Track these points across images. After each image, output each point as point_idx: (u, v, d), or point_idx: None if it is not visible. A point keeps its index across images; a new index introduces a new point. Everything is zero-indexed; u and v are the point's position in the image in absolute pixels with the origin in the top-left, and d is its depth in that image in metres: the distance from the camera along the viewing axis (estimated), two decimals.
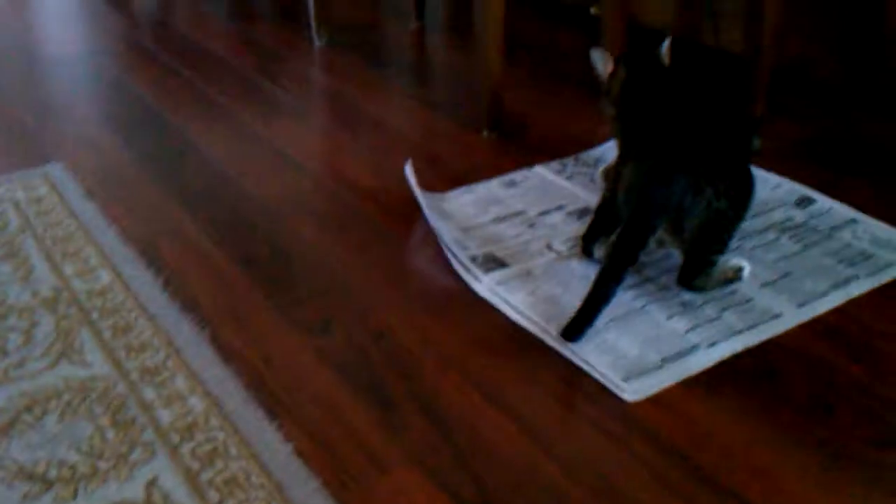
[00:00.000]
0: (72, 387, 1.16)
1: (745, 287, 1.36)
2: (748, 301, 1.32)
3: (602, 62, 1.48)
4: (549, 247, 1.47)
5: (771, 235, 1.49)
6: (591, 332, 1.25)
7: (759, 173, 1.60)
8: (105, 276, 1.40)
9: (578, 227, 1.52)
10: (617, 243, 1.29)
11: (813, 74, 2.04)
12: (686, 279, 1.35)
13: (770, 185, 1.64)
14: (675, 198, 1.28)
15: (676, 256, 1.40)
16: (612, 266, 1.27)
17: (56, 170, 1.75)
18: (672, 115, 1.37)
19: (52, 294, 1.36)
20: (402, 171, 1.66)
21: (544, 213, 1.58)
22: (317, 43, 2.47)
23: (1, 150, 1.85)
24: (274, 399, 1.15)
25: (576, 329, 1.24)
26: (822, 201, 1.59)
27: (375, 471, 1.04)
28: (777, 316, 1.29)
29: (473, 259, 1.43)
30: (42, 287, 1.38)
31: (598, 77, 1.49)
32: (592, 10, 2.33)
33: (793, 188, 1.63)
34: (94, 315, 1.31)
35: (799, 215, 1.55)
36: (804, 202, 1.58)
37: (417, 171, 1.70)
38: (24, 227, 1.54)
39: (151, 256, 1.47)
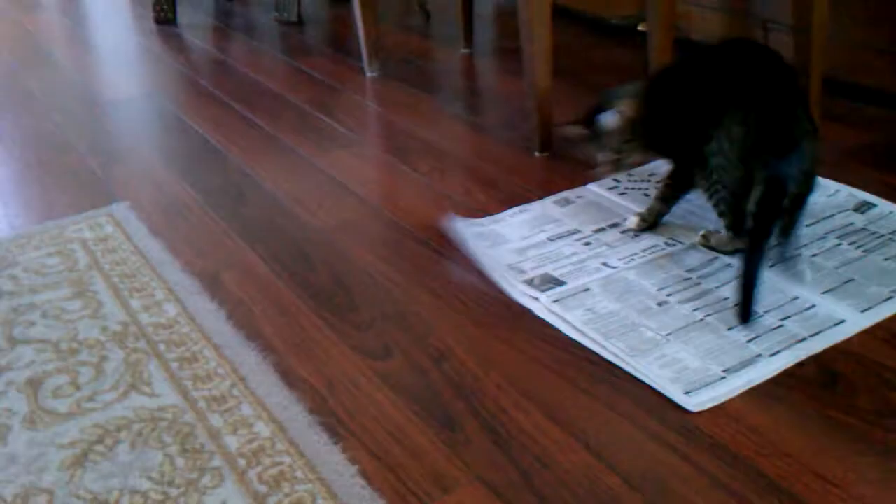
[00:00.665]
0: (141, 417, 1.19)
1: (806, 294, 1.34)
2: (810, 308, 1.31)
3: (617, 114, 1.51)
4: (606, 264, 1.48)
5: (831, 241, 1.48)
6: (650, 345, 1.25)
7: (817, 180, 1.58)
8: (171, 310, 1.44)
9: (634, 245, 1.52)
10: (756, 220, 1.31)
11: (866, 79, 2.02)
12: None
13: (828, 192, 1.62)
14: (805, 164, 1.33)
15: (736, 268, 1.39)
16: (754, 245, 1.30)
17: (121, 209, 1.80)
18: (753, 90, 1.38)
19: (120, 328, 1.40)
20: (457, 194, 1.67)
21: (599, 230, 1.58)
22: (369, 74, 2.52)
23: (67, 192, 1.92)
24: (337, 422, 1.17)
25: (745, 314, 1.28)
26: (882, 205, 1.56)
27: (439, 490, 1.05)
28: (840, 322, 1.28)
29: (530, 281, 1.44)
30: (110, 322, 1.42)
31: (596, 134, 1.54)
32: (640, 27, 2.34)
33: (851, 193, 1.62)
34: (162, 347, 1.34)
35: (859, 220, 1.53)
36: (863, 207, 1.56)
37: (470, 194, 1.72)
38: (92, 264, 1.59)
39: (215, 289, 1.50)
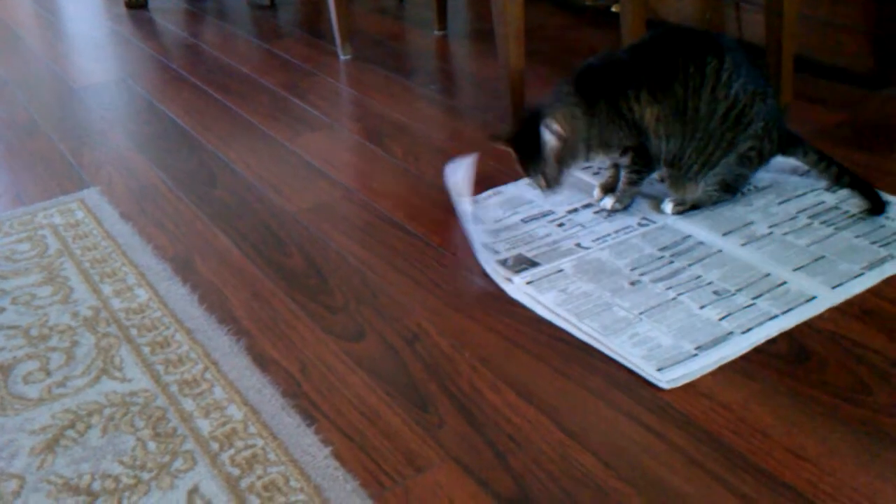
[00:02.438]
0: (113, 402, 1.19)
1: (778, 271, 1.35)
2: (782, 285, 1.32)
3: (552, 133, 1.47)
4: (579, 245, 1.48)
5: (803, 220, 1.48)
6: (623, 324, 1.26)
7: (788, 160, 1.59)
8: (142, 294, 1.43)
9: (607, 225, 1.53)
10: (816, 152, 1.54)
11: (837, 59, 2.02)
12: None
13: (800, 171, 1.63)
14: None
15: (708, 245, 1.40)
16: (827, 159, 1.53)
17: (92, 194, 1.78)
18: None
19: (91, 314, 1.39)
20: (430, 176, 1.67)
21: (573, 211, 1.59)
22: (342, 57, 2.50)
23: (38, 179, 1.89)
24: (310, 404, 1.16)
25: (880, 203, 1.48)
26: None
27: (413, 470, 1.05)
28: (811, 299, 1.28)
29: (504, 262, 1.44)
30: (81, 307, 1.41)
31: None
32: (613, 8, 2.34)
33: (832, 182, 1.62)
34: (133, 332, 1.33)
35: (830, 199, 1.54)
36: (834, 186, 1.57)
37: (442, 176, 1.72)
38: (63, 250, 1.58)
39: (187, 273, 1.49)
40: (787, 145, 1.54)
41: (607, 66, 1.51)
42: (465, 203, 1.54)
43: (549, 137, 1.46)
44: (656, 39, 1.50)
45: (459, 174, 1.59)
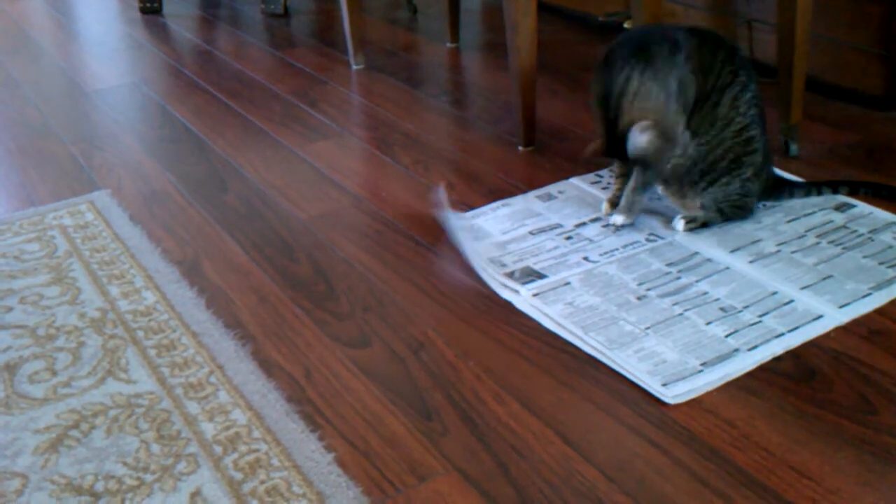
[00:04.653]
0: (118, 403, 1.19)
1: (786, 289, 1.35)
2: (789, 303, 1.32)
3: (647, 132, 1.42)
4: (587, 258, 1.48)
5: (811, 239, 1.48)
6: (629, 338, 1.26)
7: (798, 179, 1.59)
8: (150, 297, 1.43)
9: (615, 240, 1.53)
10: (803, 186, 1.60)
11: (847, 79, 2.03)
12: None
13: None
14: None
15: (716, 262, 1.40)
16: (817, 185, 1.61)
17: (102, 196, 1.79)
18: None
19: (98, 315, 1.39)
20: (439, 187, 1.67)
21: (581, 224, 1.59)
22: (354, 66, 2.51)
23: (49, 180, 1.90)
24: (315, 410, 1.16)
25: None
26: (862, 205, 1.57)
27: (415, 479, 1.05)
28: (818, 318, 1.28)
29: (511, 274, 1.44)
30: (89, 309, 1.41)
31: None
32: (626, 25, 2.34)
33: (830, 193, 1.62)
34: (140, 334, 1.34)
35: (838, 219, 1.54)
36: (843, 207, 1.57)
37: (455, 188, 1.72)
38: (72, 251, 1.58)
39: (194, 277, 1.49)
40: (774, 189, 1.56)
41: (660, 32, 1.49)
42: (453, 220, 1.55)
43: (643, 140, 1.42)
44: (698, 31, 1.50)
45: (439, 201, 1.60)
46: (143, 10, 3.25)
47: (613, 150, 1.47)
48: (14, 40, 3.04)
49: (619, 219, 1.54)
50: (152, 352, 1.29)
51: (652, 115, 1.42)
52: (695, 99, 1.44)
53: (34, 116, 2.29)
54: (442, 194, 1.63)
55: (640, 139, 1.42)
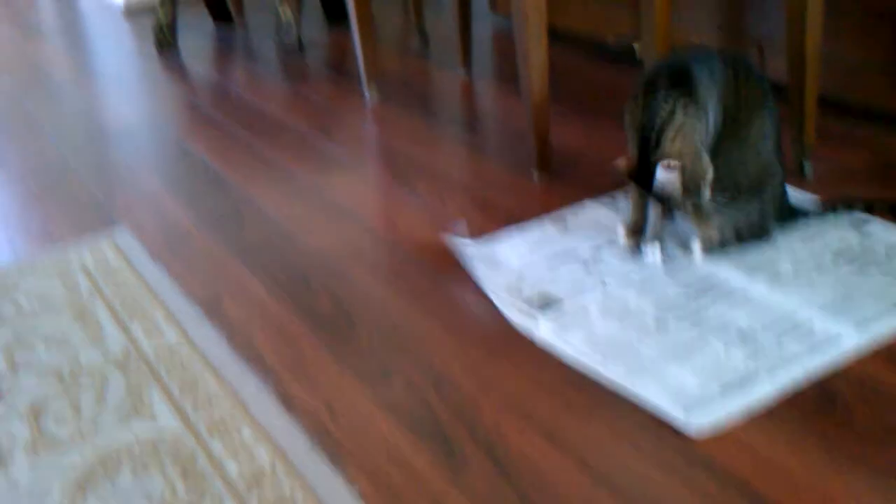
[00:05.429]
0: (142, 442, 1.20)
1: (804, 311, 1.35)
2: (807, 325, 1.32)
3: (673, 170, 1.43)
4: (604, 283, 1.48)
5: (828, 259, 1.48)
6: (649, 365, 1.26)
7: (813, 198, 1.59)
8: (171, 334, 1.45)
9: (632, 264, 1.53)
10: (818, 211, 1.60)
11: (862, 98, 2.03)
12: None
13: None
14: None
15: (733, 285, 1.41)
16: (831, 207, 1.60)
17: (122, 234, 1.81)
18: None
19: (121, 354, 1.41)
20: (455, 216, 1.68)
21: (596, 249, 1.59)
22: (368, 98, 2.53)
23: (69, 218, 1.93)
24: (337, 446, 1.17)
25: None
26: (878, 223, 1.57)
27: None
28: (837, 338, 1.28)
29: (529, 301, 1.45)
30: (112, 347, 1.43)
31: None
32: (636, 47, 2.36)
33: (847, 212, 1.62)
34: (163, 372, 1.35)
35: (854, 238, 1.54)
36: (859, 225, 1.57)
37: (470, 216, 1.73)
38: (94, 290, 1.60)
39: (215, 313, 1.51)
40: (789, 210, 1.57)
41: (699, 59, 1.48)
42: (470, 248, 1.55)
43: (670, 177, 1.43)
44: (730, 56, 1.50)
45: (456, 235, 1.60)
46: (160, 47, 3.29)
47: (641, 178, 1.47)
48: (33, 80, 3.08)
49: (656, 253, 1.53)
50: (175, 390, 1.31)
51: (687, 157, 1.43)
52: (725, 122, 1.45)
53: (54, 155, 2.32)
54: (460, 228, 1.64)
55: (668, 178, 1.43)
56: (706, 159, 1.44)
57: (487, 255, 1.60)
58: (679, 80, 1.44)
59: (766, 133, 1.47)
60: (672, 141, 1.43)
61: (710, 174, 1.45)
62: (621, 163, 1.50)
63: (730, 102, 1.46)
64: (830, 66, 1.99)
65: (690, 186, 1.44)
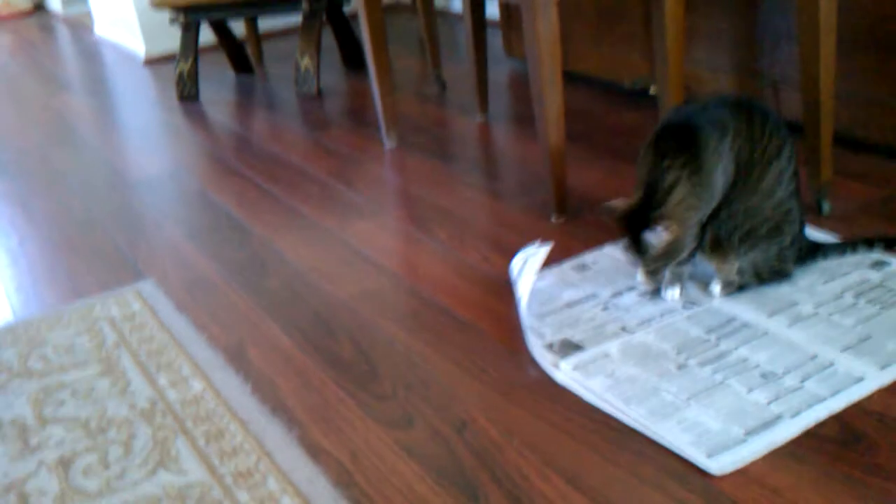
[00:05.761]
0: (170, 494, 1.21)
1: (826, 352, 1.35)
2: (829, 367, 1.32)
3: (663, 233, 1.46)
4: (624, 328, 1.49)
5: (848, 299, 1.48)
6: (671, 409, 1.26)
7: (830, 237, 1.60)
8: (197, 385, 1.46)
9: (652, 308, 1.54)
10: (837, 246, 1.62)
11: (878, 134, 2.04)
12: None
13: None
14: None
15: (754, 327, 1.41)
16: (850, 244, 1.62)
17: (147, 285, 1.84)
18: None
19: (148, 405, 1.42)
20: (475, 261, 1.70)
21: (617, 294, 1.60)
22: (387, 144, 2.56)
23: (95, 270, 1.96)
24: (361, 494, 1.18)
25: None
26: None
27: None
28: (860, 380, 1.28)
29: (550, 346, 1.46)
30: (139, 399, 1.44)
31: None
32: (651, 91, 2.38)
33: (866, 250, 1.62)
34: (189, 423, 1.37)
35: (875, 277, 1.54)
36: (879, 264, 1.57)
37: (489, 261, 1.75)
38: (120, 342, 1.63)
39: (240, 363, 1.53)
40: (809, 250, 1.57)
41: (706, 117, 1.49)
42: (524, 288, 1.55)
43: (660, 241, 1.46)
44: (745, 104, 1.51)
45: (529, 261, 1.59)
46: (182, 98, 3.35)
47: (633, 226, 1.48)
48: (57, 132, 3.14)
49: (675, 295, 1.55)
50: (201, 440, 1.32)
51: (677, 230, 1.46)
52: (739, 172, 1.47)
53: (78, 207, 2.36)
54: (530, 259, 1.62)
55: (654, 239, 1.46)
56: (690, 239, 1.49)
57: (519, 301, 1.60)
58: (686, 143, 1.46)
59: (783, 179, 1.48)
60: (673, 209, 1.45)
61: (686, 254, 1.50)
62: (617, 204, 1.52)
63: (744, 153, 1.46)
64: (845, 103, 2.00)
65: (667, 254, 1.48)
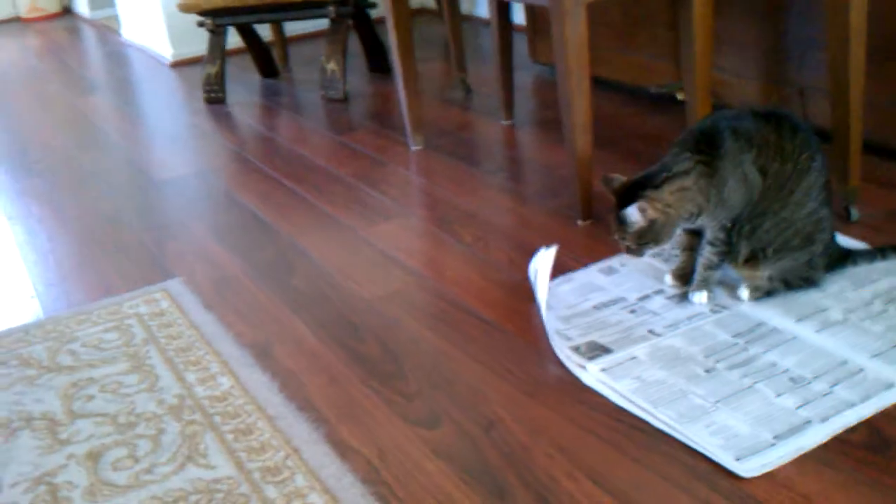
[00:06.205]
0: (198, 489, 1.22)
1: (855, 358, 1.34)
2: (859, 373, 1.31)
3: (640, 212, 1.46)
4: (652, 332, 1.49)
5: (878, 306, 1.48)
6: (699, 412, 1.26)
7: (861, 243, 1.59)
8: (225, 382, 1.47)
9: (680, 312, 1.53)
10: (866, 253, 1.61)
11: None
12: None
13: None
14: None
15: (783, 332, 1.40)
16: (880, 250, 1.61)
17: (175, 284, 1.85)
18: None
19: (176, 401, 1.43)
20: (500, 262, 1.70)
21: (644, 297, 1.60)
22: (412, 147, 2.57)
23: (124, 269, 1.97)
24: (389, 492, 1.18)
25: None
26: None
27: None
28: (890, 386, 1.27)
29: (577, 349, 1.46)
30: (167, 395, 1.45)
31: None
32: (679, 96, 2.37)
33: None
34: (217, 419, 1.37)
35: None
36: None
37: (514, 263, 1.75)
38: (148, 339, 1.64)
39: (267, 360, 1.53)
40: (838, 257, 1.57)
41: (731, 126, 1.49)
42: (541, 292, 1.56)
43: (637, 219, 1.46)
44: (773, 116, 1.50)
45: (540, 264, 1.60)
46: (208, 100, 3.37)
47: (623, 199, 1.49)
48: (86, 134, 3.17)
49: (702, 298, 1.55)
50: (230, 436, 1.33)
51: (664, 217, 1.46)
52: (769, 186, 1.46)
53: (107, 207, 2.38)
54: (544, 260, 1.62)
55: (632, 215, 1.46)
56: (671, 236, 1.49)
57: (540, 303, 1.61)
58: (707, 145, 1.47)
59: (814, 190, 1.47)
60: (670, 194, 1.45)
61: (661, 247, 1.52)
62: (618, 178, 1.53)
63: (773, 164, 1.46)
64: (874, 110, 1.99)
65: (644, 235, 1.47)
